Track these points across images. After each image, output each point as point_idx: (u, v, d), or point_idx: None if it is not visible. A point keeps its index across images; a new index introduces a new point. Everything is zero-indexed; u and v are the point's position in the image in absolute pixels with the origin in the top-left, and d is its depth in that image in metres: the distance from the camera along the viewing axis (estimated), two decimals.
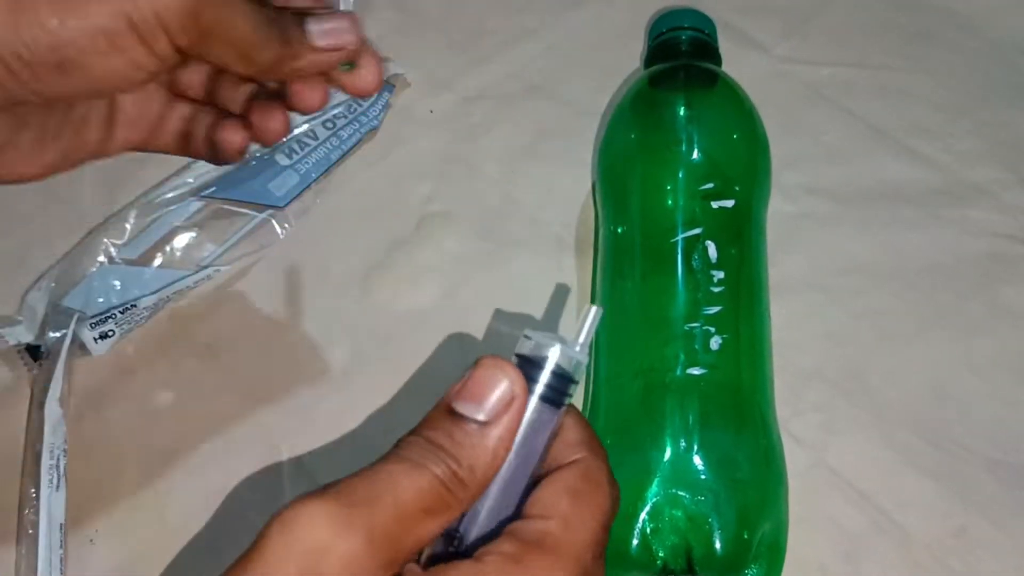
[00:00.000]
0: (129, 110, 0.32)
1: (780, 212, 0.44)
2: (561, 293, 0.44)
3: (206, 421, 0.43)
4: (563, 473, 0.25)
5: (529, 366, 0.25)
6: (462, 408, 0.24)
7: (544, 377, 0.25)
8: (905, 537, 0.37)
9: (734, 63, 0.45)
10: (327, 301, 0.45)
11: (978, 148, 0.47)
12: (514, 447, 0.25)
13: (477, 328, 0.43)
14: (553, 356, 0.25)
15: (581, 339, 0.26)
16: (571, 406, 0.27)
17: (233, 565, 0.22)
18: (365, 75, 0.31)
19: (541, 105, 0.51)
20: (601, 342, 0.39)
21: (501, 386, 0.24)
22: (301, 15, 0.29)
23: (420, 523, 0.23)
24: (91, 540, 0.40)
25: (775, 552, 0.34)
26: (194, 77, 0.33)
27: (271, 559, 0.21)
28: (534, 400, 0.25)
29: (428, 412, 0.25)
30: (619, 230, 0.41)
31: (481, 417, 0.24)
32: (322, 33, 0.28)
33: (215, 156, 0.33)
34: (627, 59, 0.51)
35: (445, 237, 0.47)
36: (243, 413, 0.42)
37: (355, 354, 0.44)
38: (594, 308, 0.26)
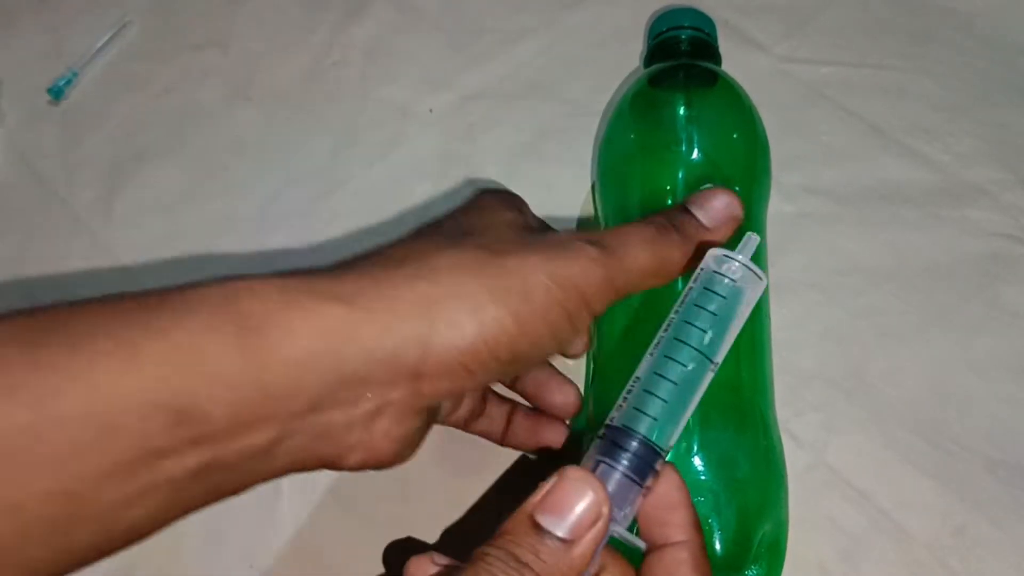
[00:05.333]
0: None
1: (780, 212, 0.44)
2: None
3: None
4: (684, 556, 0.27)
5: (618, 435, 0.27)
6: (545, 522, 0.24)
7: (625, 459, 0.26)
8: (905, 536, 0.37)
9: (734, 63, 0.45)
10: None
11: (977, 148, 0.47)
12: None
13: None
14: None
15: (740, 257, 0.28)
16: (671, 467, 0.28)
17: None
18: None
19: (541, 105, 0.51)
20: (601, 341, 0.39)
21: (586, 501, 0.24)
22: (679, 209, 0.31)
23: None
24: None
25: (775, 552, 0.34)
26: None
27: None
28: (617, 475, 0.26)
29: (509, 518, 0.25)
30: None
31: (563, 535, 0.24)
32: (711, 212, 0.31)
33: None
34: (627, 59, 0.51)
35: None
36: None
37: None
38: (753, 235, 0.29)
